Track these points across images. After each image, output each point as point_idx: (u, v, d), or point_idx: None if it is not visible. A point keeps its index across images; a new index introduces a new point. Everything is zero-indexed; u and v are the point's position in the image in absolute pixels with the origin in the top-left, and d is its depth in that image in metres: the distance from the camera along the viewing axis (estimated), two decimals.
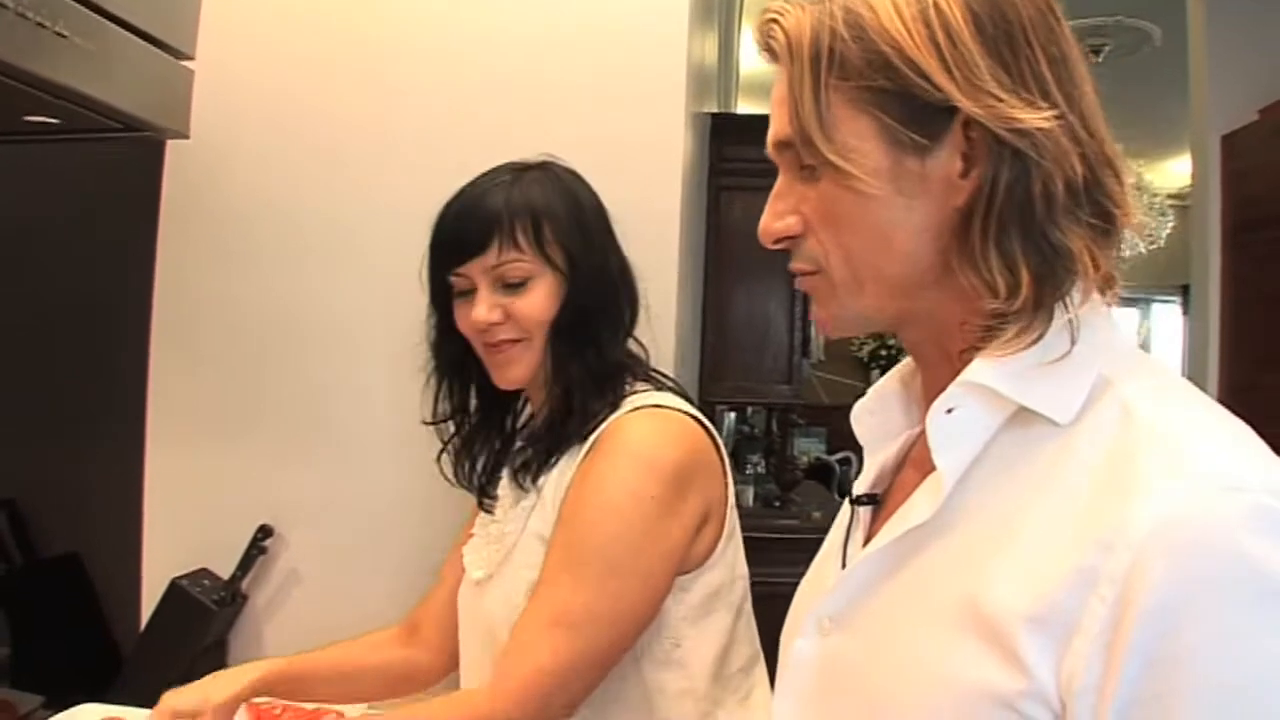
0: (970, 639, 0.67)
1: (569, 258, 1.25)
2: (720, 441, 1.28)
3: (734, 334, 3.60)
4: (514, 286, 1.24)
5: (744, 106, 4.82)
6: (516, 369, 1.27)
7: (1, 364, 2.01)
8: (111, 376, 1.86)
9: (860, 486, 0.88)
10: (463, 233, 1.25)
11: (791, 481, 4.36)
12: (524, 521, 1.26)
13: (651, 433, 1.20)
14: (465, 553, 1.36)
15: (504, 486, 1.32)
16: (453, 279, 1.27)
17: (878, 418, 0.88)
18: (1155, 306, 8.04)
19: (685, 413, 1.24)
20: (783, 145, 0.77)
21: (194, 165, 1.68)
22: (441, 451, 1.37)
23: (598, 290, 1.26)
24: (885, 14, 0.71)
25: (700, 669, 1.22)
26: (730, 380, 3.87)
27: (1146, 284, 7.40)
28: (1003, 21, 0.70)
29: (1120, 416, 0.68)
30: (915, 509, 0.76)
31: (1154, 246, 5.83)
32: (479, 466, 1.36)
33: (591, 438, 1.22)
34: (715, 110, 3.56)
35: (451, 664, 1.39)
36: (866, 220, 0.74)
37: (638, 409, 1.22)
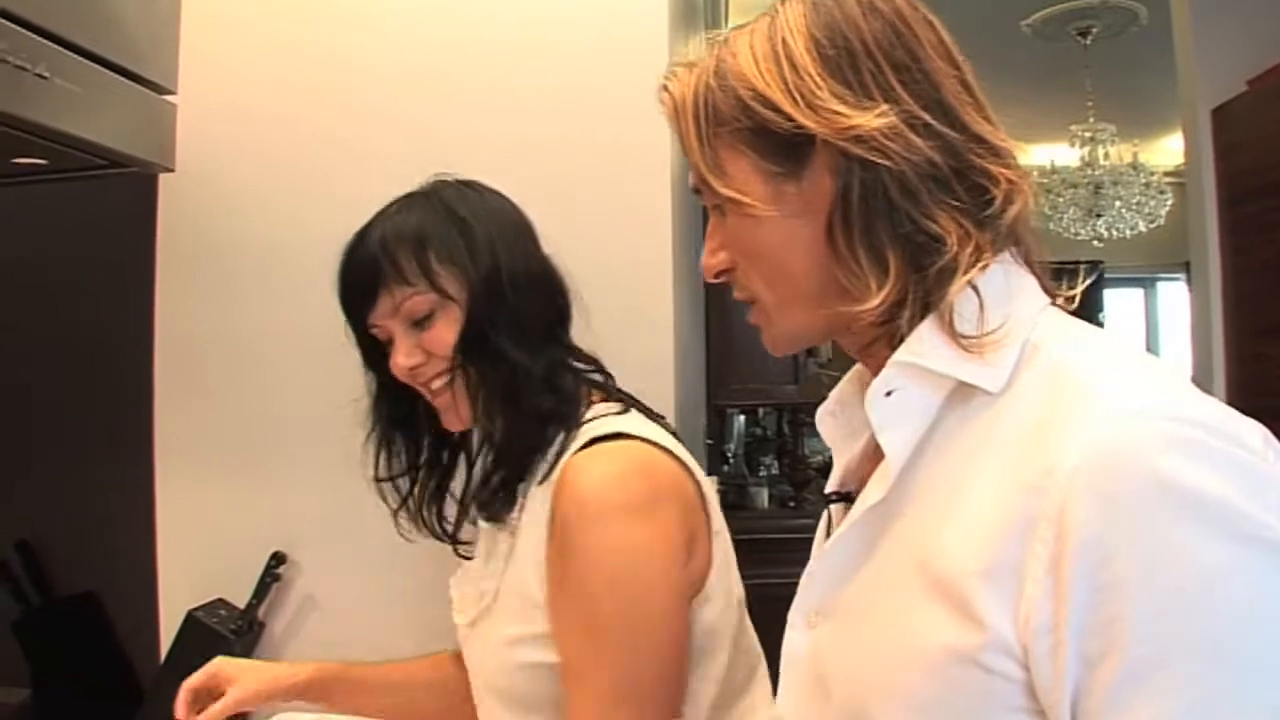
0: (928, 604, 0.71)
1: (462, 278, 1.21)
2: (694, 466, 1.21)
3: (739, 337, 3.59)
4: (421, 322, 1.21)
5: None
6: (462, 408, 1.23)
7: (8, 405, 2.02)
8: (117, 411, 1.87)
9: (830, 485, 0.92)
10: (354, 284, 1.23)
11: (804, 481, 4.35)
12: (501, 572, 1.22)
13: (611, 473, 1.13)
14: (452, 584, 1.34)
15: (482, 525, 1.29)
16: (373, 332, 1.25)
17: (839, 419, 0.93)
18: (1160, 285, 8.03)
19: (647, 440, 1.16)
20: (696, 192, 0.85)
21: (188, 197, 1.69)
22: (396, 511, 1.33)
23: (497, 303, 1.20)
24: (744, 58, 0.79)
25: (700, 707, 1.18)
26: (738, 383, 3.87)
27: (1150, 263, 7.39)
28: (842, 40, 0.77)
29: (1049, 375, 0.73)
30: (869, 491, 0.80)
31: (1154, 225, 5.82)
32: (445, 515, 1.33)
33: (556, 471, 1.16)
34: None
35: None
36: (765, 247, 0.82)
37: (591, 443, 1.15)
